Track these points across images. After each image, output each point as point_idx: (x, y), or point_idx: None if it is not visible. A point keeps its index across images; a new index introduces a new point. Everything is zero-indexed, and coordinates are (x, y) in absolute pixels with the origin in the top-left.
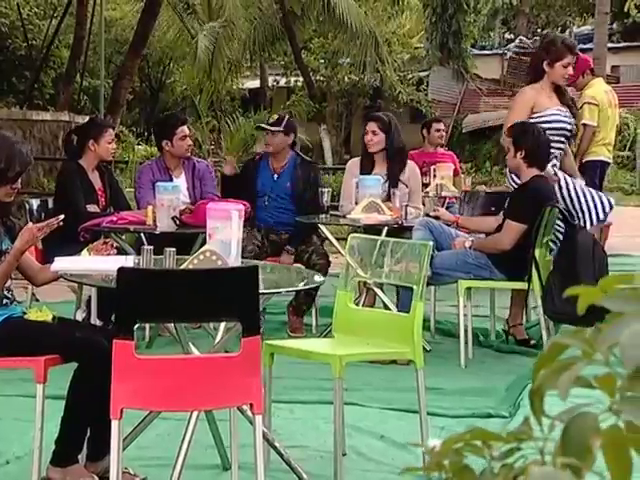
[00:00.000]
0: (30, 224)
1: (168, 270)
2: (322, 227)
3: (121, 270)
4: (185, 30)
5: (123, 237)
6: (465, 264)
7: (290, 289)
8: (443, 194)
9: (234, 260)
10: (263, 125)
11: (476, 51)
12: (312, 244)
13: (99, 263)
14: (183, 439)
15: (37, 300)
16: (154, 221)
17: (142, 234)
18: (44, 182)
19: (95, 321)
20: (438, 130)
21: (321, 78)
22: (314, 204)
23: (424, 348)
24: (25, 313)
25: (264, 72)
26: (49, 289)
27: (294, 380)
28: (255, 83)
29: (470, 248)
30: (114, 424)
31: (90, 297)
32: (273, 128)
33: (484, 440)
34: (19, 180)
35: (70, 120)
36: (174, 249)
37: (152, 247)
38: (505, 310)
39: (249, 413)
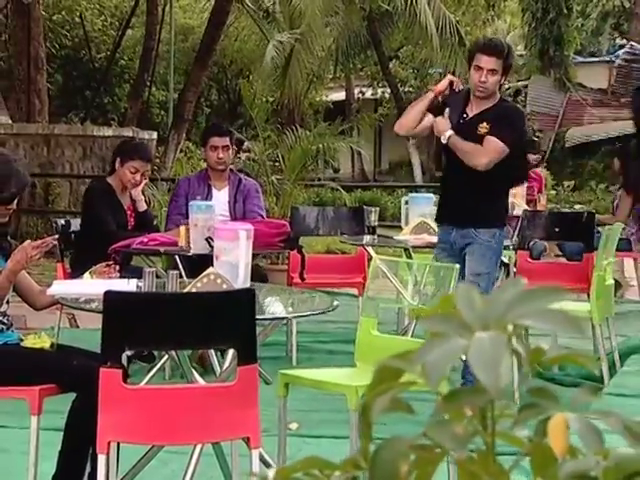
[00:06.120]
0: (26, 242)
1: (156, 294)
2: (369, 248)
3: (107, 294)
4: (265, 40)
5: (155, 259)
6: None
7: (294, 315)
8: (514, 213)
9: (242, 283)
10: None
11: (580, 58)
12: None
13: (98, 287)
14: (185, 474)
15: (77, 327)
16: (187, 242)
17: (176, 256)
18: None
19: None
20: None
21: (410, 89)
22: None
23: None
24: (22, 340)
25: (350, 83)
26: (90, 315)
27: (325, 413)
28: (340, 95)
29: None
30: (101, 459)
31: None
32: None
33: (320, 469)
34: (15, 201)
35: (134, 136)
36: (177, 272)
37: (155, 270)
38: (568, 340)
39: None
